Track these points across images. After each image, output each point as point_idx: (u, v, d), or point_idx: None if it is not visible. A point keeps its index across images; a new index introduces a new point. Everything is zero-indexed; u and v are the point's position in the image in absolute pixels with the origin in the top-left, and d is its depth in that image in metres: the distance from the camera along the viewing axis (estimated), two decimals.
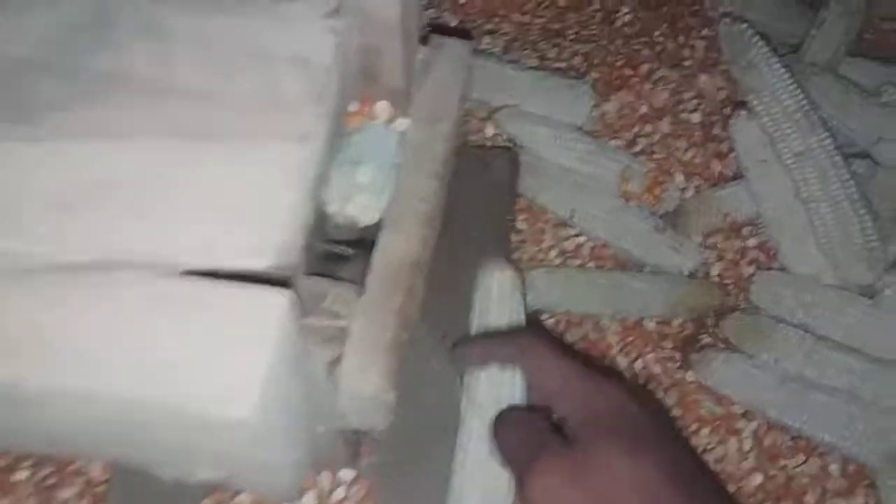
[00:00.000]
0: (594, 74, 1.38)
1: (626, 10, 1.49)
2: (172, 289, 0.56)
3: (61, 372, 0.54)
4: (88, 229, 0.56)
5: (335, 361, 0.75)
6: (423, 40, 0.95)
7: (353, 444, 0.95)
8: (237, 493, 0.98)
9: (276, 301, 0.57)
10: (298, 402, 0.65)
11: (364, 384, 0.74)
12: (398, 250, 0.81)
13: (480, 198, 1.19)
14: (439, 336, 1.06)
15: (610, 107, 1.36)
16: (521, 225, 1.27)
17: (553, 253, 1.26)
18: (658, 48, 1.45)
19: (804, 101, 1.19)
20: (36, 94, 0.58)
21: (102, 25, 0.61)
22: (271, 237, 0.58)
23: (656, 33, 1.47)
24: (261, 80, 0.62)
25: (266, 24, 0.64)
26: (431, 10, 1.43)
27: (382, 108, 0.88)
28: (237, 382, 0.54)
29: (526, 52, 1.40)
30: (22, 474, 1.01)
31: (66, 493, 1.00)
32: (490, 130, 1.31)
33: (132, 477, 0.99)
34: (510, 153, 1.26)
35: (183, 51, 0.61)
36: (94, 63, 0.59)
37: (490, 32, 1.42)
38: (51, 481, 1.01)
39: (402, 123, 0.88)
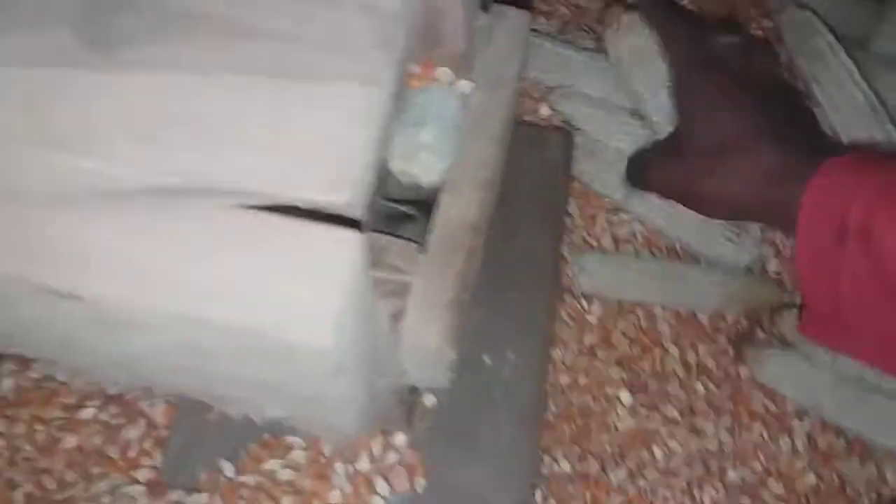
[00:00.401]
0: None
1: None
2: (251, 220, 0.56)
3: (146, 293, 0.55)
4: (171, 156, 0.57)
5: (397, 315, 0.75)
6: (484, 7, 0.96)
7: (408, 406, 0.95)
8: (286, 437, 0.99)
9: (351, 239, 0.57)
10: (367, 345, 0.66)
11: (426, 339, 0.74)
12: (458, 212, 0.80)
13: (534, 175, 1.19)
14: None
15: None
16: (573, 209, 1.26)
17: (606, 239, 1.24)
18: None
19: (871, 94, 1.16)
20: (115, 28, 0.58)
21: None
22: (346, 173, 0.58)
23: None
24: (331, 24, 0.62)
25: None
26: None
27: (444, 72, 0.88)
28: (316, 313, 0.55)
29: (581, 34, 1.39)
30: (88, 412, 1.04)
31: (131, 432, 1.03)
32: (545, 111, 1.31)
33: (193, 421, 1.02)
34: (564, 133, 1.26)
35: None
36: (173, 1, 0.61)
37: (545, 14, 1.42)
38: (116, 421, 1.04)
39: (464, 87, 0.88)
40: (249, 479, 0.99)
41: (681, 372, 1.15)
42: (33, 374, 1.04)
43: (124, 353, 0.62)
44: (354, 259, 0.56)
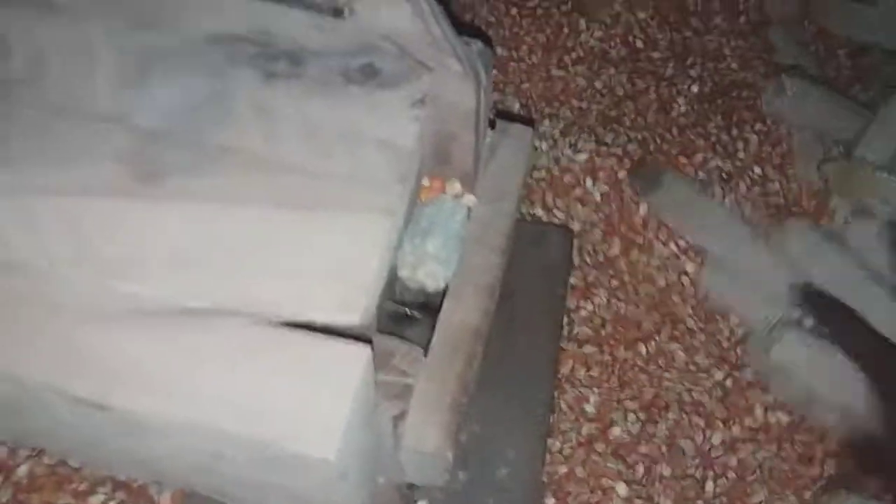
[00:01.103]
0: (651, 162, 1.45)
1: (682, 100, 1.57)
2: (269, 337, 0.62)
3: (169, 405, 0.60)
4: (201, 281, 0.64)
5: (400, 416, 0.80)
6: (491, 124, 1.04)
7: (407, 499, 0.99)
8: None
9: (359, 354, 0.63)
10: (369, 450, 0.71)
11: (425, 440, 0.79)
12: (461, 318, 0.87)
13: (535, 272, 1.25)
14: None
15: None
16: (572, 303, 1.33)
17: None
18: (712, 139, 1.52)
19: None
20: (162, 161, 0.66)
21: (220, 103, 0.70)
22: (358, 298, 0.65)
23: (711, 125, 1.55)
24: (353, 159, 0.69)
25: (360, 110, 0.72)
26: (496, 94, 1.52)
27: (453, 185, 0.95)
28: (323, 426, 0.60)
29: (584, 135, 1.48)
30: (98, 498, 1.08)
31: None
32: (540, 211, 1.39)
33: None
34: (565, 231, 1.33)
35: (288, 130, 0.69)
36: (212, 137, 0.68)
37: (550, 116, 1.51)
38: None
39: (470, 200, 0.96)
40: None
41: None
42: (46, 461, 1.08)
43: (144, 455, 0.67)
44: (360, 376, 0.62)
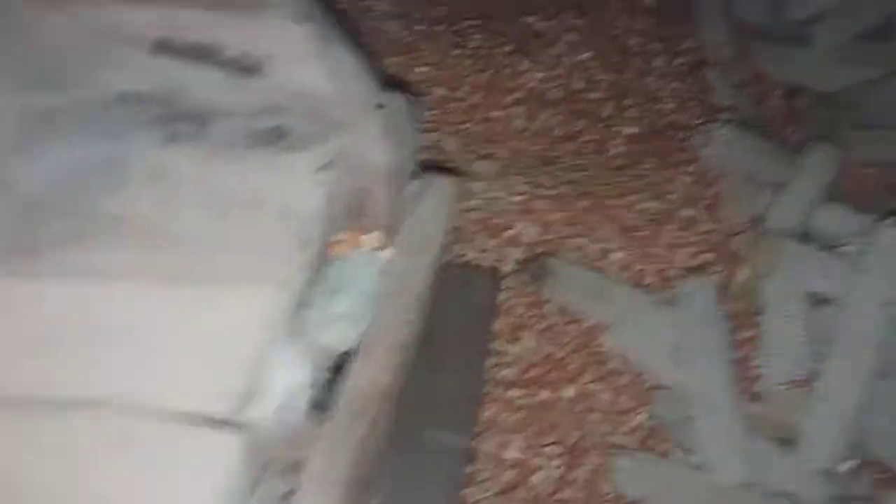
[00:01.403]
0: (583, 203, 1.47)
1: (617, 141, 1.59)
2: (136, 429, 0.60)
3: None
4: (67, 367, 0.61)
5: (289, 493, 0.77)
6: (415, 175, 1.04)
7: None
8: None
9: (229, 444, 0.61)
10: None
11: None
12: (369, 379, 0.86)
13: (459, 316, 1.25)
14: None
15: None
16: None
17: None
18: (645, 180, 1.54)
19: None
20: (43, 232, 0.64)
21: (114, 168, 0.68)
22: (233, 384, 0.63)
23: (645, 166, 1.56)
24: (252, 228, 0.69)
25: (263, 175, 0.71)
26: (434, 134, 1.52)
27: (368, 239, 0.95)
28: None
29: (519, 177, 1.49)
30: None
31: None
32: (472, 252, 1.40)
33: None
34: (491, 273, 1.33)
35: (185, 197, 0.68)
36: (102, 205, 0.66)
37: (486, 156, 1.51)
38: None
39: (386, 254, 0.96)
40: None
41: None
42: None
43: None
44: (231, 463, 0.60)
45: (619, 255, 1.42)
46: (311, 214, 0.73)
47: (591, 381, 1.32)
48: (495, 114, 1.57)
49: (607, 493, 1.21)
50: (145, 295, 0.65)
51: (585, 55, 1.68)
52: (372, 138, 0.82)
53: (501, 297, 1.33)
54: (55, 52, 0.75)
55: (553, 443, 1.25)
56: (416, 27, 1.66)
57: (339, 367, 0.88)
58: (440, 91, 1.57)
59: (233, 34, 0.77)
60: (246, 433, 0.62)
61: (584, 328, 1.35)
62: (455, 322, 1.23)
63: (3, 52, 0.74)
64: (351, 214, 0.90)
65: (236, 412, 0.64)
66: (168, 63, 0.76)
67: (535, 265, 1.39)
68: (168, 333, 0.65)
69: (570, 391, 1.30)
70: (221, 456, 0.60)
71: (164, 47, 0.76)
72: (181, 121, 0.73)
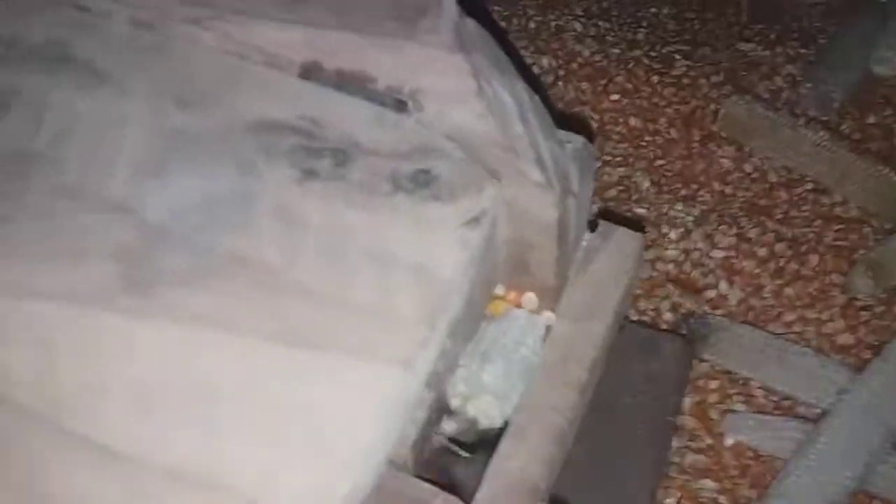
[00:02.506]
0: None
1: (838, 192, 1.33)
2: None
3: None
4: (160, 431, 0.55)
5: None
6: (592, 226, 0.89)
7: None
8: None
9: None
10: None
11: None
12: (518, 466, 0.73)
13: (641, 387, 1.08)
14: None
15: None
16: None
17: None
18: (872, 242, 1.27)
19: None
20: (159, 266, 0.58)
21: (242, 203, 0.61)
22: (338, 485, 0.53)
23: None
24: (378, 288, 0.58)
25: (401, 225, 0.61)
26: (623, 169, 1.36)
27: (530, 298, 0.82)
28: None
29: (723, 227, 1.29)
30: None
31: None
32: (668, 315, 1.21)
33: None
34: (682, 340, 1.14)
35: (311, 244, 0.60)
36: (223, 242, 0.59)
37: (685, 199, 1.33)
38: None
39: (549, 318, 0.82)
40: None
41: None
42: None
43: None
44: None
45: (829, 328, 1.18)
46: (448, 279, 0.61)
47: None
48: (698, 150, 1.37)
49: None
50: (251, 353, 0.57)
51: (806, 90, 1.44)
52: (536, 190, 0.69)
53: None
54: (199, 72, 0.70)
55: None
56: (612, 50, 1.50)
57: (483, 444, 0.75)
58: (634, 122, 1.41)
59: (384, 62, 0.68)
60: None
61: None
62: (636, 391, 1.06)
63: (147, 67, 0.71)
64: (513, 269, 0.78)
65: None
66: (313, 90, 0.69)
67: (696, 322, 1.18)
68: (268, 408, 0.56)
69: None
70: None
71: (310, 72, 0.69)
72: (320, 156, 0.65)
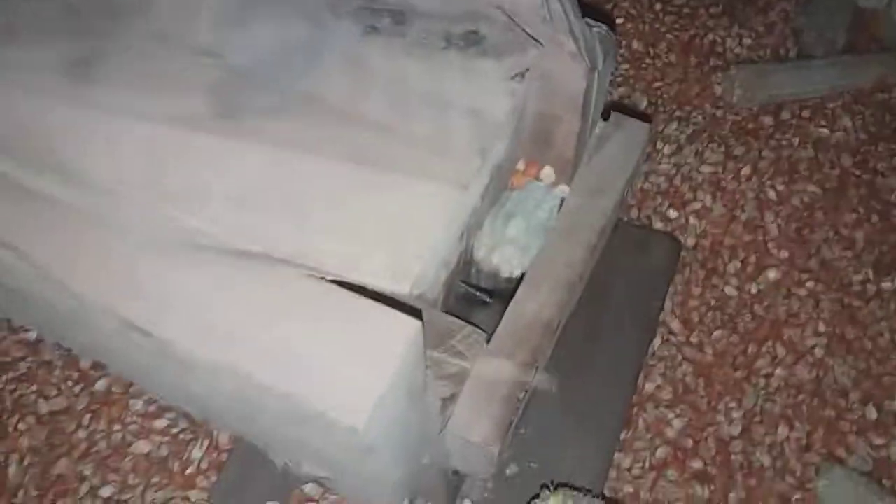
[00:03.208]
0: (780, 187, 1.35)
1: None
2: (318, 294, 0.61)
3: (208, 343, 0.61)
4: (260, 224, 0.63)
5: (450, 399, 0.77)
6: (604, 115, 0.98)
7: (455, 485, 0.96)
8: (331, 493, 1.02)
9: (407, 328, 0.60)
10: (409, 427, 0.68)
11: (473, 430, 0.76)
12: (533, 309, 0.82)
13: (633, 278, 1.18)
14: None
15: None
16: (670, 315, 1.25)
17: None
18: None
19: None
20: (245, 100, 0.66)
21: (314, 51, 0.69)
22: (411, 267, 0.62)
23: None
24: (436, 124, 0.67)
25: (454, 77, 0.69)
26: (623, 88, 1.45)
27: (548, 172, 0.91)
28: (356, 394, 0.58)
29: (713, 145, 1.38)
30: (162, 423, 1.12)
31: (195, 450, 1.10)
32: (654, 220, 1.32)
33: (251, 456, 1.08)
34: (672, 239, 1.24)
35: (375, 86, 0.68)
36: (299, 83, 0.67)
37: (679, 119, 1.42)
38: (184, 436, 1.12)
39: (563, 190, 0.91)
40: None
41: None
42: (125, 380, 1.14)
43: (186, 389, 0.68)
44: (404, 350, 0.60)
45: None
46: (496, 121, 0.69)
47: (768, 366, 1.21)
48: (694, 76, 1.46)
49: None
50: (330, 170, 0.65)
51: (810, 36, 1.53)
52: (569, 60, 0.77)
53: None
54: None
55: (720, 425, 1.16)
56: None
57: (505, 292, 0.85)
58: (636, 45, 1.49)
59: None
60: (421, 322, 0.61)
61: (771, 317, 1.25)
62: (627, 282, 1.16)
63: None
64: (538, 142, 0.86)
65: (411, 297, 0.63)
66: None
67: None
68: (349, 211, 0.65)
69: (748, 377, 1.21)
70: (397, 340, 0.60)
71: None
72: (381, 16, 0.72)
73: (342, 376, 0.59)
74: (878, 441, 1.15)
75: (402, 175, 0.65)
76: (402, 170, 0.65)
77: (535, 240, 0.85)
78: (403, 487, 0.80)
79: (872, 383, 1.20)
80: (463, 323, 0.80)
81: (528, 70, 0.72)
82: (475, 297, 0.86)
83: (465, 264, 0.86)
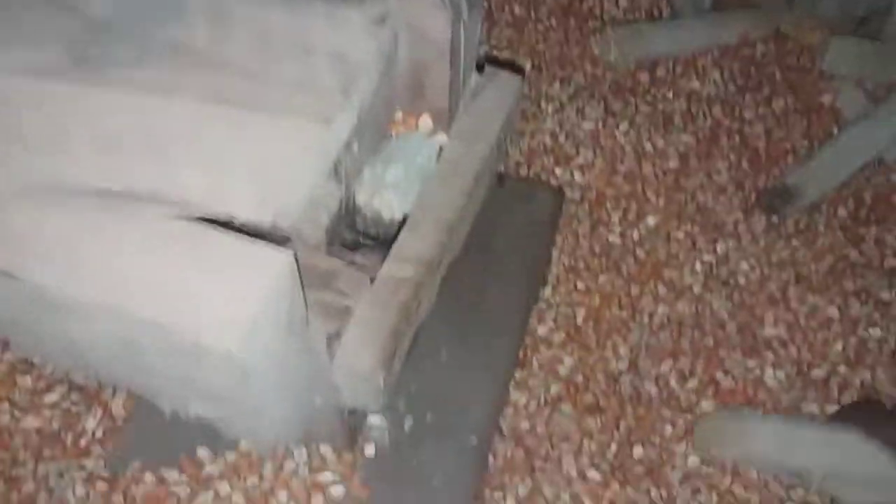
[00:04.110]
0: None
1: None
2: (186, 228, 0.63)
3: (80, 282, 0.61)
4: (125, 165, 0.65)
5: (335, 335, 0.80)
6: (480, 68, 1.03)
7: (352, 428, 1.00)
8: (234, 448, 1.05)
9: (277, 257, 0.63)
10: (293, 360, 0.71)
11: (358, 361, 0.79)
12: (414, 249, 0.87)
13: (519, 229, 1.24)
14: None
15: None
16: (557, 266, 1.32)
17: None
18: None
19: None
20: (106, 52, 0.67)
21: (174, 1, 0.70)
22: (276, 197, 0.65)
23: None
24: (301, 67, 0.70)
25: (318, 23, 0.71)
26: (508, 52, 1.51)
27: (425, 121, 0.95)
28: (228, 318, 0.60)
29: (593, 102, 1.46)
30: (52, 397, 1.12)
31: (88, 420, 1.11)
32: (560, 170, 1.39)
33: (147, 423, 1.07)
34: (554, 191, 1.31)
35: (239, 34, 0.70)
36: (162, 32, 0.69)
37: (561, 80, 1.49)
38: (76, 409, 1.12)
39: (442, 138, 0.95)
40: (190, 481, 1.04)
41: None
42: (9, 357, 1.13)
43: (64, 338, 0.69)
44: (275, 275, 0.62)
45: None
46: (359, 62, 0.73)
47: (651, 303, 1.29)
48: (575, 38, 1.53)
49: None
50: (195, 112, 0.67)
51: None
52: (431, 8, 0.81)
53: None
54: None
55: (608, 360, 1.23)
56: None
57: (387, 238, 0.89)
58: (518, 11, 1.55)
59: None
60: (292, 247, 0.64)
61: (654, 260, 1.33)
62: (513, 233, 1.22)
63: None
64: (411, 91, 0.90)
65: (279, 226, 0.66)
66: None
67: None
68: (215, 149, 0.67)
69: (632, 315, 1.28)
70: (266, 268, 0.62)
71: None
72: None
73: (214, 303, 0.61)
74: (751, 364, 1.25)
75: (266, 113, 0.68)
76: (266, 109, 0.68)
77: (415, 185, 0.89)
78: (297, 427, 0.83)
79: (747, 314, 1.30)
80: (346, 264, 0.84)
81: (388, 14, 0.76)
82: (360, 242, 0.89)
83: (350, 213, 0.89)
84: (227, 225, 0.65)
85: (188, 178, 0.65)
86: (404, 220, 0.89)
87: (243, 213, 0.64)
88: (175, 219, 0.63)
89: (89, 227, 0.63)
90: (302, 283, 0.71)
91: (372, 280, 0.84)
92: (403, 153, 0.90)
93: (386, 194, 0.87)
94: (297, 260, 0.67)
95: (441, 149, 0.95)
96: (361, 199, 0.88)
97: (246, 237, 0.63)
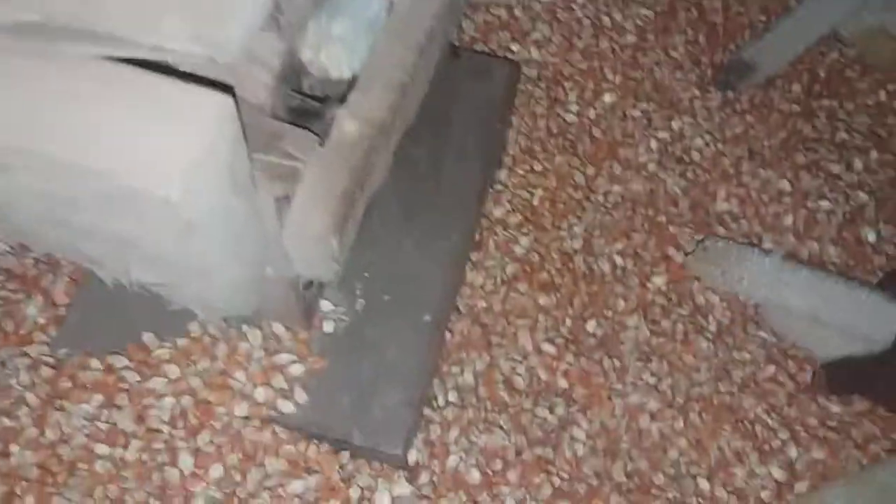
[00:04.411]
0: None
1: None
2: (121, 70, 0.58)
3: (9, 132, 0.56)
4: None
5: (284, 199, 0.76)
6: None
7: (307, 304, 0.97)
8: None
9: (216, 100, 0.58)
10: (241, 220, 0.67)
11: (309, 223, 0.75)
12: (365, 111, 0.82)
13: (474, 105, 1.19)
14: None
15: None
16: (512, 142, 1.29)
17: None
18: None
19: None
20: None
21: None
22: (212, 30, 0.59)
23: None
24: None
25: None
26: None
27: None
28: (165, 163, 0.56)
29: None
30: None
31: (29, 308, 1.07)
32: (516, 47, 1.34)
33: (90, 302, 1.04)
34: (512, 65, 1.26)
35: None
36: None
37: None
38: (15, 297, 1.08)
39: None
40: (139, 365, 1.01)
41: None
42: None
43: None
44: (216, 121, 0.58)
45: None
46: None
47: (608, 182, 1.27)
48: None
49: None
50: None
51: None
52: None
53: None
54: None
55: (563, 241, 1.22)
56: None
57: (336, 98, 0.83)
58: None
59: None
60: (230, 95, 0.58)
61: (609, 139, 1.31)
62: (469, 108, 1.18)
63: None
64: None
65: (214, 60, 0.60)
66: None
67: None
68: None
69: (589, 193, 1.27)
70: (205, 108, 0.58)
71: None
72: None
73: (151, 148, 0.56)
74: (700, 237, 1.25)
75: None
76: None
77: (364, 40, 0.83)
78: (247, 296, 0.79)
79: (700, 190, 1.29)
80: (293, 126, 0.79)
81: None
82: (308, 105, 0.84)
83: (295, 72, 0.83)
84: (165, 71, 0.59)
85: (116, 8, 0.58)
86: (353, 81, 0.84)
87: (177, 44, 0.58)
88: (104, 61, 0.57)
89: (5, 73, 0.56)
90: (246, 138, 0.66)
91: (321, 143, 0.79)
92: (350, 5, 0.84)
93: (332, 48, 0.81)
94: (238, 111, 0.62)
95: (392, 4, 0.89)
96: (306, 55, 0.82)
97: (182, 81, 0.58)
